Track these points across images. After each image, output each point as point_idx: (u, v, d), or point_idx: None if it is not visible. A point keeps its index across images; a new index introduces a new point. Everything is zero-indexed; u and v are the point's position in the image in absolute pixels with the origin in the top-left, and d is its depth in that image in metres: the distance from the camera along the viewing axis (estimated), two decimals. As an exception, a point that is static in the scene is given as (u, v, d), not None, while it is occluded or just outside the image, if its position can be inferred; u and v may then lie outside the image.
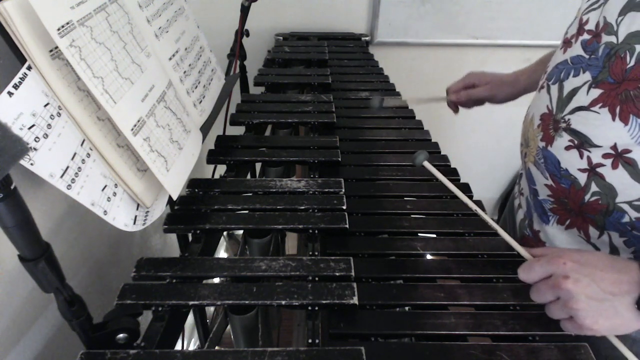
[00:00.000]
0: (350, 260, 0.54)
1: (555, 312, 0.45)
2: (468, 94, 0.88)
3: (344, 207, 0.63)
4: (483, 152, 1.85)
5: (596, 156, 0.52)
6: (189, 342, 1.19)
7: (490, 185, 1.98)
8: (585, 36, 0.55)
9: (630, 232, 0.53)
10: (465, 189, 0.70)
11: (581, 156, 0.54)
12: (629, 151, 0.49)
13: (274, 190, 0.66)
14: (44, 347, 0.58)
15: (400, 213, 0.65)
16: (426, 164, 0.53)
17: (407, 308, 0.52)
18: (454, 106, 0.92)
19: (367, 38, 1.49)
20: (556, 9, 1.45)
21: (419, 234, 0.61)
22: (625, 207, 0.52)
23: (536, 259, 0.46)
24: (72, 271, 0.64)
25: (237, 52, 1.01)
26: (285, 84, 1.04)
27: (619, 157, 0.50)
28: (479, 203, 0.65)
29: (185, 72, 0.71)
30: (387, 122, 0.90)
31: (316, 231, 0.59)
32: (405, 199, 0.68)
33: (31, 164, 0.39)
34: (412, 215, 0.65)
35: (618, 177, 0.51)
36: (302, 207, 0.62)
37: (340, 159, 0.75)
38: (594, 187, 0.54)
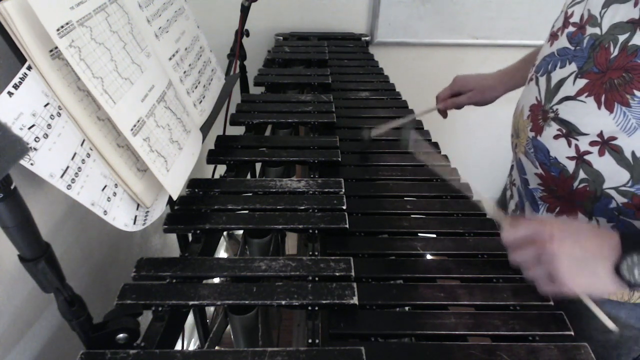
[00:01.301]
0: (350, 260, 0.54)
1: (535, 272, 0.48)
2: (454, 102, 0.91)
3: (344, 207, 0.63)
4: (483, 152, 1.85)
5: (583, 144, 0.54)
6: (189, 342, 1.19)
7: (490, 185, 1.98)
8: (571, 28, 0.57)
9: (617, 218, 0.55)
10: (465, 189, 0.70)
11: (569, 144, 0.55)
12: (614, 138, 0.51)
13: (274, 190, 0.66)
14: (44, 347, 0.58)
15: (400, 213, 0.65)
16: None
17: (407, 308, 0.52)
18: (443, 112, 0.96)
19: (367, 38, 1.49)
20: (556, 9, 1.44)
21: (419, 234, 0.61)
22: (612, 193, 0.53)
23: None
24: (72, 271, 0.64)
25: (237, 52, 1.01)
26: (285, 84, 1.04)
27: (605, 144, 0.52)
28: (478, 203, 0.65)
29: (185, 72, 0.71)
30: (387, 122, 0.89)
31: (316, 231, 0.59)
32: (405, 199, 0.68)
33: (31, 164, 0.39)
34: (412, 215, 0.65)
35: (605, 164, 0.52)
36: (302, 207, 0.62)
37: (340, 159, 0.75)
38: (582, 174, 0.55)
